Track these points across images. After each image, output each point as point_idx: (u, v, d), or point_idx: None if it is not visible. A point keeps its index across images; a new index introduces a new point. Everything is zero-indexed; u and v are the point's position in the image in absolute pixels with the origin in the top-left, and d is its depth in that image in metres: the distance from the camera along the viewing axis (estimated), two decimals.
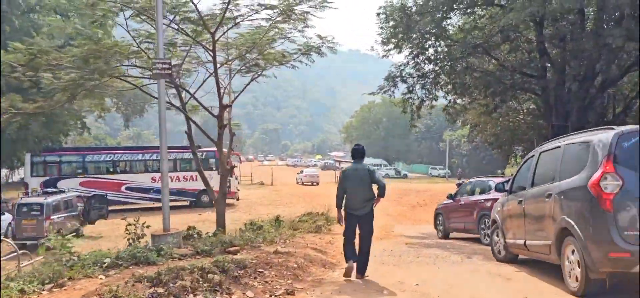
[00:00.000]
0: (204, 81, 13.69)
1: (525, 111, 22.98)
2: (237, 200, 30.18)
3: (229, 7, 10.39)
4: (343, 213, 7.52)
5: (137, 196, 27.18)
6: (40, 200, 18.70)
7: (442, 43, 18.08)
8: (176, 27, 10.97)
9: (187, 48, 12.22)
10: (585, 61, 14.96)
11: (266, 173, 56.10)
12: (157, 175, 27.71)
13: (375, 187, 7.35)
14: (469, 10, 16.68)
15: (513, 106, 24.71)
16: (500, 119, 26.45)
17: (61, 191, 20.73)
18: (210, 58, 14.06)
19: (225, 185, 13.94)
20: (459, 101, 20.07)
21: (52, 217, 18.52)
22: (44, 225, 18.31)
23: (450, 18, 17.24)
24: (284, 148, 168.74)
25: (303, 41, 15.81)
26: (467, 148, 63.00)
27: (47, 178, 25.61)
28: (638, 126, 5.61)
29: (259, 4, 10.38)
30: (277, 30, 13.24)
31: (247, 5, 10.55)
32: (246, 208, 27.76)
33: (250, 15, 10.84)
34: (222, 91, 15.76)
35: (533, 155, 7.62)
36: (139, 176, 27.39)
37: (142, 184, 27.19)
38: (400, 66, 18.52)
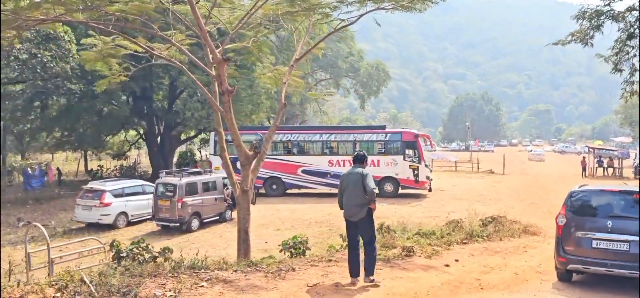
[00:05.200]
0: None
1: None
2: (430, 190, 25.05)
3: None
4: None
5: (313, 180, 24.90)
6: (175, 180, 17.75)
7: None
8: None
9: None
10: None
11: (518, 161, 49.53)
12: (334, 158, 24.97)
13: None
14: None
15: None
16: None
17: (201, 172, 19.59)
18: None
19: (247, 179, 10.03)
20: None
21: (185, 199, 17.41)
22: (177, 207, 17.37)
23: None
24: (557, 132, 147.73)
25: None
26: None
27: (229, 156, 25.33)
28: (587, 186, 8.56)
29: None
30: None
31: None
32: (434, 202, 22.57)
33: None
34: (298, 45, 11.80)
35: None
36: (316, 158, 25.04)
37: (319, 168, 24.74)
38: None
